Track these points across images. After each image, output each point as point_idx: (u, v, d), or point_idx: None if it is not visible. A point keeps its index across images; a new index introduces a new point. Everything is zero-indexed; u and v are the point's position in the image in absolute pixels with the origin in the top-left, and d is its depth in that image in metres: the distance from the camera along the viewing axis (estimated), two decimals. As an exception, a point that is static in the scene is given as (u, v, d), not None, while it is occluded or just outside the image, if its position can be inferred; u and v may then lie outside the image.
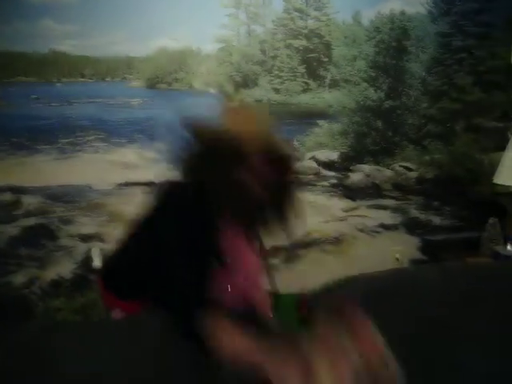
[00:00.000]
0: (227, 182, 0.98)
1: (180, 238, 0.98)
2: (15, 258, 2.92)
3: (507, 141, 2.67)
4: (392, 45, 3.35)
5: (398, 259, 3.11)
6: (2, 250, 2.91)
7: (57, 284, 2.82)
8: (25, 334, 0.93)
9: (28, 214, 2.99)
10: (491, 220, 3.43)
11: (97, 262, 3.26)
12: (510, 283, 1.12)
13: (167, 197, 1.09)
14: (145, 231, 1.12)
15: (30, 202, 2.99)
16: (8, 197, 2.98)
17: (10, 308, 2.97)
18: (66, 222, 3.46)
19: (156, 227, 1.05)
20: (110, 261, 1.25)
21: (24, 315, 2.94)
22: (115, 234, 3.39)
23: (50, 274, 2.83)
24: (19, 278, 2.88)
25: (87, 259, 3.14)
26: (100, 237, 3.36)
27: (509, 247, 3.09)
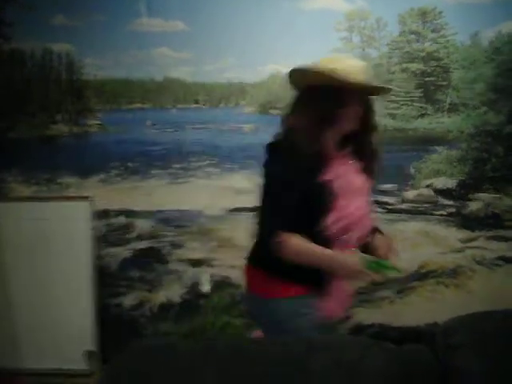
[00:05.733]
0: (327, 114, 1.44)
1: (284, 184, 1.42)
2: (126, 279, 3.11)
3: None
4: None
5: (521, 295, 2.90)
6: (115, 271, 3.09)
7: (166, 308, 3.06)
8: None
9: (140, 238, 3.11)
10: None
11: (206, 287, 3.32)
12: None
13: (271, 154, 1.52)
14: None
15: (142, 225, 3.12)
16: (121, 220, 3.17)
17: (121, 329, 3.11)
18: (177, 246, 3.57)
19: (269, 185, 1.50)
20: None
21: (133, 337, 3.06)
22: (225, 260, 3.42)
23: (160, 297, 3.06)
24: (130, 300, 3.05)
25: (196, 284, 3.35)
26: (209, 262, 3.40)
27: None
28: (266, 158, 1.52)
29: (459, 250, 3.04)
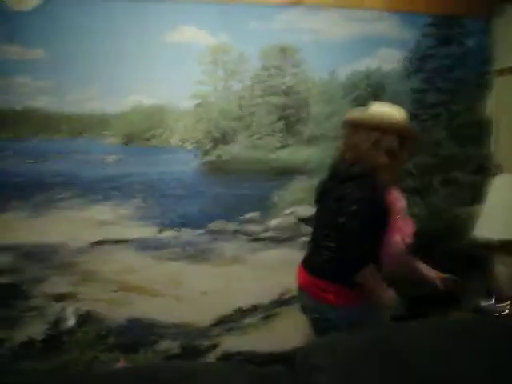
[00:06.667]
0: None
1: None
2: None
3: (484, 194, 2.78)
4: (369, 100, 3.48)
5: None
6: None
7: (28, 345, 2.84)
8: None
9: (-2, 274, 2.96)
10: (471, 274, 3.41)
11: (70, 322, 3.18)
12: (491, 338, 1.19)
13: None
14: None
15: (0, 260, 2.96)
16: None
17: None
18: (39, 281, 3.39)
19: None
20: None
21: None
22: (89, 293, 3.33)
23: (21, 335, 2.84)
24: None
25: (60, 319, 3.08)
26: (74, 296, 3.31)
27: (488, 301, 3.01)
28: (350, 191, 1.67)
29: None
